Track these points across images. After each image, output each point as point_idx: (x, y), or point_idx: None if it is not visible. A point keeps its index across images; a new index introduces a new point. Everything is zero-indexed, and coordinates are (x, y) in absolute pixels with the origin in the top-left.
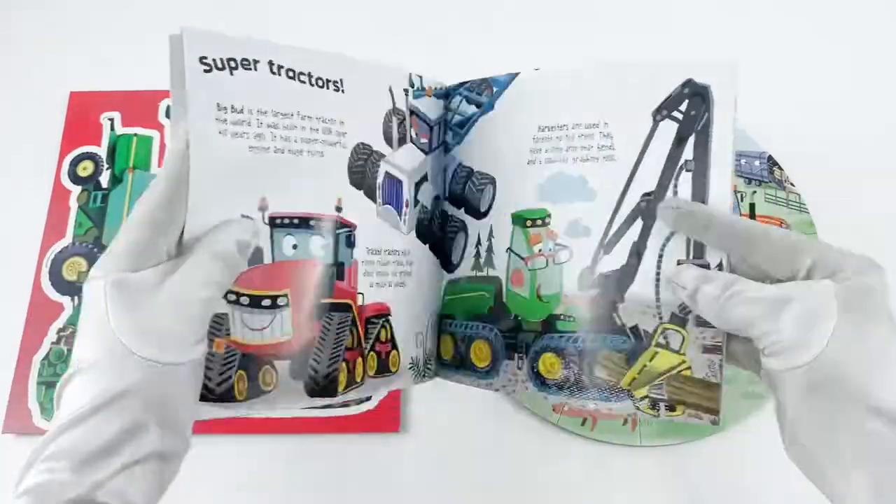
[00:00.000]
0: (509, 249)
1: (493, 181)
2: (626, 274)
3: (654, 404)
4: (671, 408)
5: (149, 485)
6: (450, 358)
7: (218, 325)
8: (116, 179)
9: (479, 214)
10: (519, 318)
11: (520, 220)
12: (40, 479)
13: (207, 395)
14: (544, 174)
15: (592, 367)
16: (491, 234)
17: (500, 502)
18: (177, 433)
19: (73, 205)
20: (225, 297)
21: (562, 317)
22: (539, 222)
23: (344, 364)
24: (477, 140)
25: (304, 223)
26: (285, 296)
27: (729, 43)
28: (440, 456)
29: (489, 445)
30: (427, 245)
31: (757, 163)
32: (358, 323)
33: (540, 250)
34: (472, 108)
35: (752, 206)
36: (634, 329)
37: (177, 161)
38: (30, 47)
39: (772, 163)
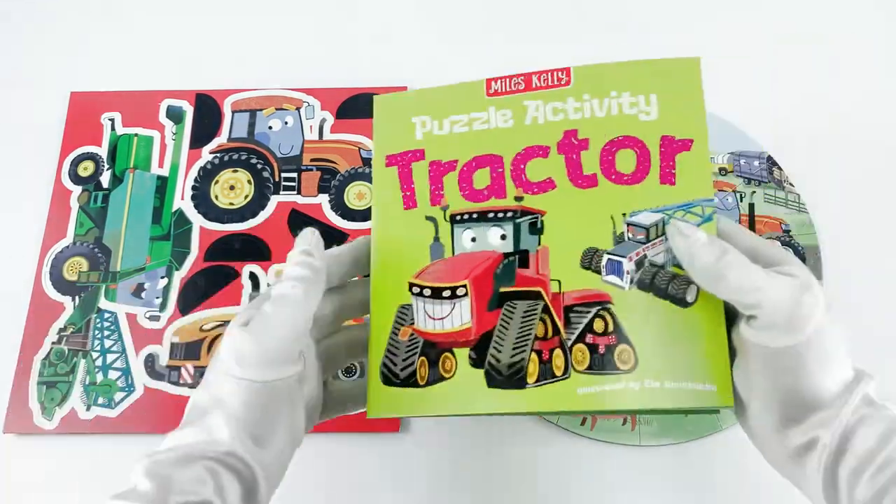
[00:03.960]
0: None
1: None
2: None
3: None
4: None
5: (233, 484)
6: None
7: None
8: (117, 179)
9: None
10: None
11: None
12: (139, 479)
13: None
14: None
15: None
16: None
17: (500, 502)
18: (269, 445)
19: (74, 205)
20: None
21: None
22: None
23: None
24: None
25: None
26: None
27: (729, 43)
28: (440, 456)
29: (489, 445)
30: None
31: (756, 163)
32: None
33: None
34: None
35: (751, 206)
36: None
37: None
38: (30, 47)
39: (771, 163)
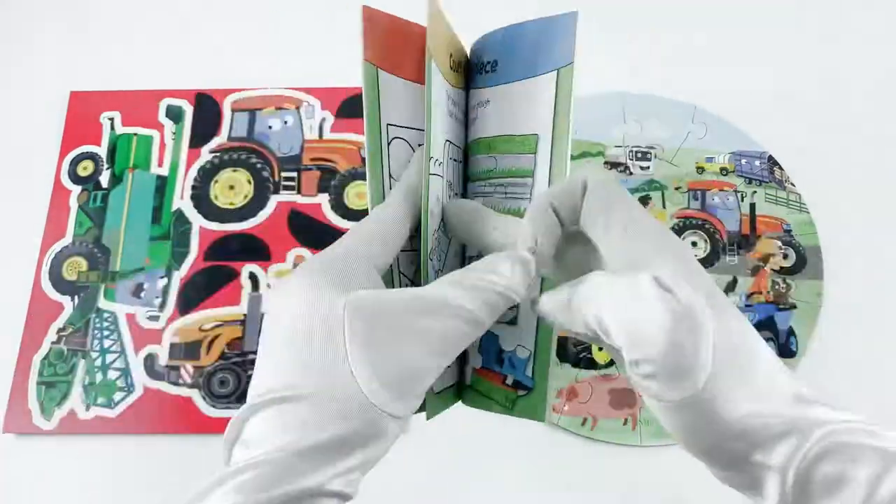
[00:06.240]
0: None
1: None
2: None
3: None
4: None
5: None
6: None
7: None
8: (116, 179)
9: None
10: None
11: None
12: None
13: None
14: None
15: None
16: None
17: (500, 502)
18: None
19: (73, 204)
20: None
21: None
22: None
23: None
24: None
25: None
26: None
27: (729, 42)
28: (439, 456)
29: (489, 445)
30: None
31: (757, 163)
32: None
33: None
34: None
35: (752, 206)
36: None
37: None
38: (30, 47)
39: (772, 163)
